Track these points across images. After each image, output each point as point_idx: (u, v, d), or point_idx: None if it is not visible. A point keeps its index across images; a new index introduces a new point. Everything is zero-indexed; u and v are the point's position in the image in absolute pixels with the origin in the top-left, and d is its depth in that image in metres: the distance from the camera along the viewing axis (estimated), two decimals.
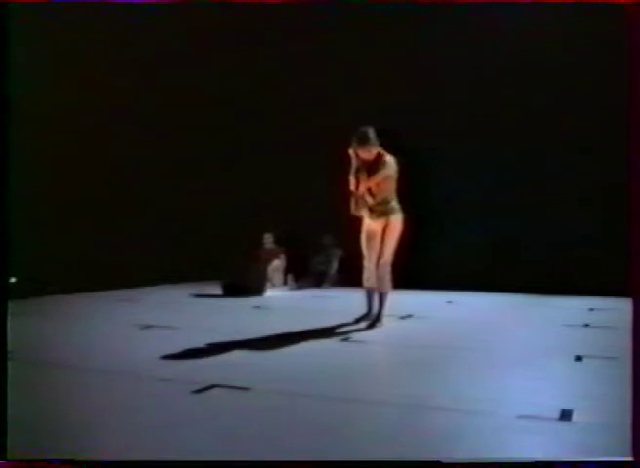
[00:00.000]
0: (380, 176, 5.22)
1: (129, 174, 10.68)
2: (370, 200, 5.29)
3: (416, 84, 8.96)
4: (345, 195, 5.33)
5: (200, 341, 4.49)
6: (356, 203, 5.25)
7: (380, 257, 5.28)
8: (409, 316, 6.00)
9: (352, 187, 5.29)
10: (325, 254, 9.41)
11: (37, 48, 10.83)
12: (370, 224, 5.36)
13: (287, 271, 9.30)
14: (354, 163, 5.28)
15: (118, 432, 2.64)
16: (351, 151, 5.27)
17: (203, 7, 9.40)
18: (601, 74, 7.91)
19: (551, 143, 8.39)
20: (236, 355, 4.16)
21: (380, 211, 5.27)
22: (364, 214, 5.35)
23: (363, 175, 5.22)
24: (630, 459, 2.17)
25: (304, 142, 9.38)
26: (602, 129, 7.90)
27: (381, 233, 5.28)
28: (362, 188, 5.23)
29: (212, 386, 3.27)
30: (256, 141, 9.92)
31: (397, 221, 5.30)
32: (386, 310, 5.40)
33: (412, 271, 7.55)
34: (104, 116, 10.82)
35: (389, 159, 5.26)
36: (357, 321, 5.38)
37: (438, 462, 2.24)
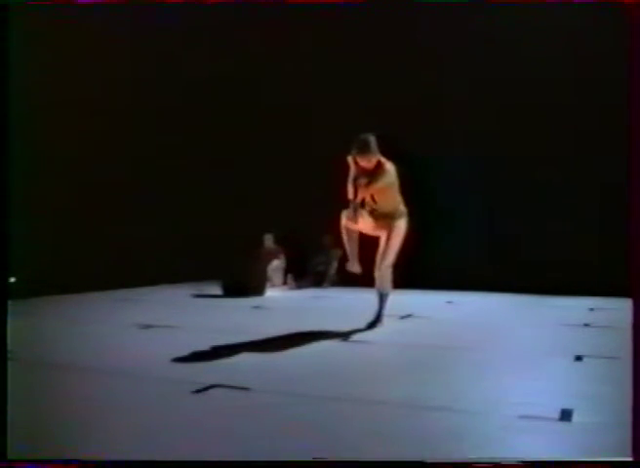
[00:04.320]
0: (379, 185, 5.05)
1: (129, 173, 10.67)
2: (375, 207, 5.21)
3: (415, 88, 8.96)
4: (344, 197, 5.24)
5: (200, 341, 4.49)
6: (354, 211, 5.05)
7: (382, 260, 5.26)
8: (409, 316, 6.00)
9: (350, 196, 5.09)
10: (325, 254, 9.41)
11: (37, 48, 10.82)
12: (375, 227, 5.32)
13: (287, 271, 9.30)
14: (353, 171, 5.10)
15: (118, 432, 2.64)
16: (350, 159, 5.10)
17: (204, 8, 9.41)
18: (601, 74, 7.91)
19: (551, 143, 8.38)
20: (236, 355, 4.16)
21: (388, 217, 5.22)
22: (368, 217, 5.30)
23: (362, 183, 5.03)
24: (630, 459, 2.17)
25: (305, 142, 9.38)
26: (602, 129, 7.90)
27: (386, 236, 5.24)
28: (361, 196, 5.08)
29: (212, 386, 3.27)
30: (256, 141, 9.92)
31: (402, 225, 5.24)
32: (386, 310, 5.39)
33: (412, 271, 7.56)
34: (104, 116, 10.82)
35: (389, 167, 5.09)
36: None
37: (438, 462, 2.24)
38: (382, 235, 5.26)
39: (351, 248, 5.24)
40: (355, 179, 5.08)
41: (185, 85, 10.28)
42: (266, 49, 9.76)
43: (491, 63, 8.62)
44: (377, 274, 5.28)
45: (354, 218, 5.06)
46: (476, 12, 8.42)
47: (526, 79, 8.50)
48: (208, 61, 10.05)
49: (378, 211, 5.22)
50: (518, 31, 8.45)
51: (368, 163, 5.04)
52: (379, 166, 5.06)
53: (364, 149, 5.00)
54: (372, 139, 5.02)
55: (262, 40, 9.78)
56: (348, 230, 5.17)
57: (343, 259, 8.93)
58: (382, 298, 5.35)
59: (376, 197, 5.18)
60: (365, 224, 5.22)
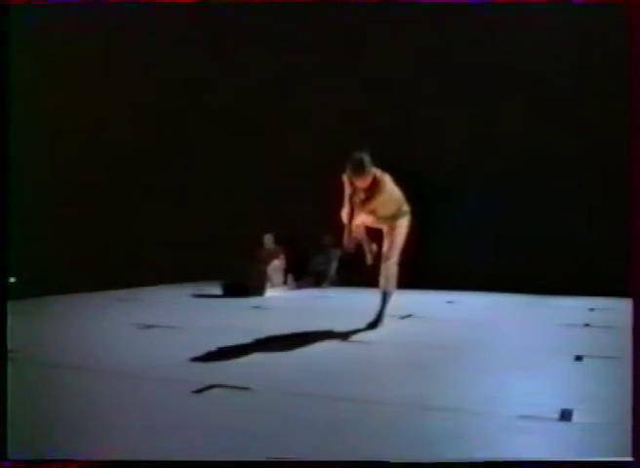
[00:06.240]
0: (376, 202, 4.97)
1: (129, 174, 10.68)
2: (377, 214, 5.14)
3: (413, 90, 8.96)
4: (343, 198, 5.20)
5: (200, 341, 4.48)
6: (349, 234, 5.04)
7: (387, 258, 5.25)
8: (409, 316, 5.99)
9: (346, 213, 5.04)
10: (325, 254, 9.41)
11: (38, 49, 10.83)
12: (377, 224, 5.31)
13: (287, 271, 9.30)
14: (348, 189, 5.00)
15: (118, 432, 2.64)
16: (345, 177, 4.98)
17: (206, 10, 9.43)
18: (601, 75, 7.92)
19: (550, 145, 8.38)
20: (236, 355, 4.15)
21: (390, 218, 5.20)
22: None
23: (359, 200, 4.95)
24: (630, 459, 2.17)
25: (305, 143, 9.38)
26: (603, 131, 7.90)
27: (389, 234, 5.23)
28: (358, 213, 5.00)
29: (212, 386, 3.27)
30: (256, 141, 9.92)
31: (404, 223, 5.23)
32: (387, 310, 5.39)
33: (412, 271, 7.55)
34: (104, 115, 10.83)
35: (385, 181, 4.98)
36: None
37: (438, 462, 2.24)
38: (386, 232, 5.26)
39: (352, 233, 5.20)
40: (351, 198, 5.01)
41: (188, 85, 10.28)
42: (270, 53, 9.76)
43: (489, 65, 8.61)
44: (382, 272, 5.27)
45: (350, 241, 5.09)
46: (476, 13, 8.41)
47: (525, 80, 8.50)
48: (208, 64, 10.07)
49: (379, 215, 5.21)
50: (518, 34, 8.44)
51: (363, 182, 4.93)
52: (374, 183, 4.94)
53: (359, 170, 4.86)
54: (366, 159, 4.85)
55: (265, 44, 9.79)
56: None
57: (343, 259, 9.05)
58: (385, 297, 5.32)
59: (376, 208, 5.12)
60: (367, 222, 5.24)
